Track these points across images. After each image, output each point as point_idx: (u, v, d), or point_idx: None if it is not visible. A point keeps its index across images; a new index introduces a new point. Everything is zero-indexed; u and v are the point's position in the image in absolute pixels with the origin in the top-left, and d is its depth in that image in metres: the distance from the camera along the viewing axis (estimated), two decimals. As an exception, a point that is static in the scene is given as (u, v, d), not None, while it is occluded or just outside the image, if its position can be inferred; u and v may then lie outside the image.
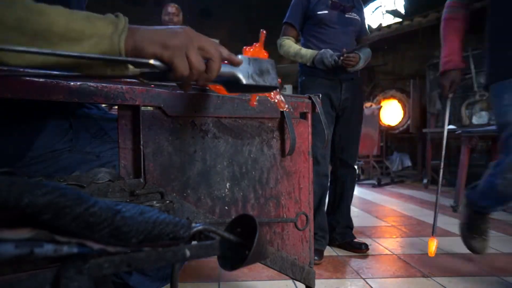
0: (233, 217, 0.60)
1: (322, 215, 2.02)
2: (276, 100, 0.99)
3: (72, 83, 0.71)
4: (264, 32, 0.90)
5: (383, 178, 5.44)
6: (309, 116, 1.16)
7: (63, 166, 0.77)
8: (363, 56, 1.94)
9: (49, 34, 0.50)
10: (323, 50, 1.80)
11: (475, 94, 4.54)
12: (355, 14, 2.03)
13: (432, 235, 1.76)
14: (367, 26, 2.21)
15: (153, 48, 0.55)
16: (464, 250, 2.07)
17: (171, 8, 3.45)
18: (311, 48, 1.98)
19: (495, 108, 1.54)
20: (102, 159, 0.82)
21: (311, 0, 1.98)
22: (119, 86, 0.77)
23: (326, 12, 1.95)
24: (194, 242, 0.47)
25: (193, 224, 0.46)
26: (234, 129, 0.98)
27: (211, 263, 1.78)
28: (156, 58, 0.56)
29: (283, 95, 1.04)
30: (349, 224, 2.14)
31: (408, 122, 5.78)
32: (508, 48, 1.45)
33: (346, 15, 1.99)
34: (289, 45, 2.01)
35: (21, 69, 0.62)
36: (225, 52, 0.62)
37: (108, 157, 0.83)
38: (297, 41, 2.10)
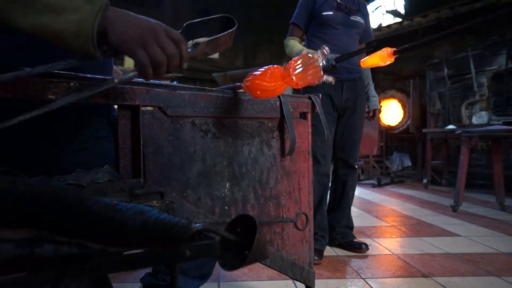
0: (233, 217, 0.60)
1: (323, 214, 2.02)
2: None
3: (71, 83, 0.71)
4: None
5: (383, 178, 5.44)
6: (309, 116, 1.16)
7: (104, 154, 0.82)
8: (371, 83, 2.18)
9: (37, 3, 0.55)
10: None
11: (475, 94, 4.54)
12: (359, 18, 2.03)
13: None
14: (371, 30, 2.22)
15: (116, 37, 0.59)
16: (464, 250, 2.08)
17: None
18: (314, 48, 1.98)
19: None
20: None
21: (317, 0, 1.99)
22: (119, 86, 0.77)
23: (331, 13, 1.96)
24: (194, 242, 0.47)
25: (193, 224, 0.46)
26: (234, 129, 0.98)
27: (211, 263, 1.78)
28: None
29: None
30: (349, 224, 2.14)
31: (408, 122, 5.78)
32: None
33: (351, 18, 2.00)
34: (293, 45, 2.02)
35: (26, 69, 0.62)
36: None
37: None
38: (302, 41, 2.11)
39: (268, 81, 0.88)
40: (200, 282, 1.11)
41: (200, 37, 0.72)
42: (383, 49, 1.17)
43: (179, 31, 0.68)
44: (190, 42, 0.69)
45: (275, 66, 0.91)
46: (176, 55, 0.62)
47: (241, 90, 0.97)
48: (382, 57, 1.17)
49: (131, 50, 0.59)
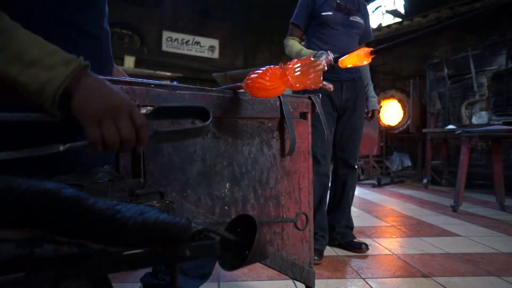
0: (233, 217, 0.60)
1: (323, 214, 2.02)
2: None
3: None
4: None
5: (383, 178, 5.44)
6: (309, 116, 1.16)
7: (105, 154, 0.79)
8: (370, 83, 2.17)
9: (8, 51, 0.54)
10: (319, 53, 1.80)
11: (475, 94, 4.54)
12: (359, 18, 2.03)
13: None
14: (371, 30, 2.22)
15: (76, 105, 0.56)
16: (464, 250, 2.08)
17: None
18: (314, 49, 1.98)
19: None
20: None
21: (316, 1, 1.99)
22: (119, 86, 0.77)
23: (330, 13, 1.96)
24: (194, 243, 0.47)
25: (193, 224, 0.46)
26: (234, 129, 0.98)
27: (211, 263, 1.78)
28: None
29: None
30: (349, 224, 2.14)
31: (408, 122, 5.78)
32: None
33: (351, 18, 2.00)
34: (293, 45, 2.02)
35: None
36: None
37: None
38: (302, 40, 2.11)
39: (268, 81, 0.88)
40: (200, 282, 1.11)
41: (172, 120, 0.67)
42: (361, 48, 1.18)
43: (150, 112, 0.64)
44: (155, 125, 0.64)
45: (275, 66, 0.91)
46: (131, 140, 0.59)
47: (241, 90, 0.97)
48: (359, 57, 1.18)
49: (86, 123, 0.56)
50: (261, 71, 0.89)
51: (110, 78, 0.77)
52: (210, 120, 0.65)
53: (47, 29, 0.71)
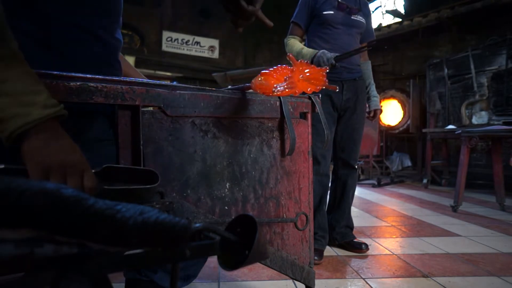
0: (233, 217, 0.60)
1: (323, 215, 2.02)
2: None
3: (72, 83, 0.71)
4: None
5: (383, 178, 5.44)
6: (309, 116, 1.16)
7: (107, 156, 0.81)
8: (372, 83, 2.17)
9: None
10: (320, 52, 1.80)
11: (475, 94, 4.54)
12: (361, 17, 2.03)
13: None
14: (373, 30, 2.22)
15: (30, 151, 0.56)
16: (464, 250, 2.08)
17: None
18: (315, 48, 1.97)
19: None
20: None
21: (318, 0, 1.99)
22: (119, 86, 0.77)
23: (332, 12, 1.95)
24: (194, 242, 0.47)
25: (193, 224, 0.46)
26: (234, 129, 0.98)
27: (211, 263, 1.78)
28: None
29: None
30: (349, 224, 2.14)
31: (408, 122, 5.78)
32: None
33: (352, 17, 1.99)
34: (293, 44, 2.02)
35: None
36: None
37: None
38: (303, 40, 2.11)
39: (277, 79, 0.88)
40: (183, 283, 1.07)
41: (120, 181, 0.68)
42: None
43: (98, 170, 0.64)
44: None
45: (285, 66, 0.92)
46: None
47: (250, 91, 0.98)
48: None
49: (32, 171, 0.56)
50: (272, 69, 0.89)
51: (111, 78, 0.77)
52: (158, 182, 0.67)
53: (65, 33, 0.78)
